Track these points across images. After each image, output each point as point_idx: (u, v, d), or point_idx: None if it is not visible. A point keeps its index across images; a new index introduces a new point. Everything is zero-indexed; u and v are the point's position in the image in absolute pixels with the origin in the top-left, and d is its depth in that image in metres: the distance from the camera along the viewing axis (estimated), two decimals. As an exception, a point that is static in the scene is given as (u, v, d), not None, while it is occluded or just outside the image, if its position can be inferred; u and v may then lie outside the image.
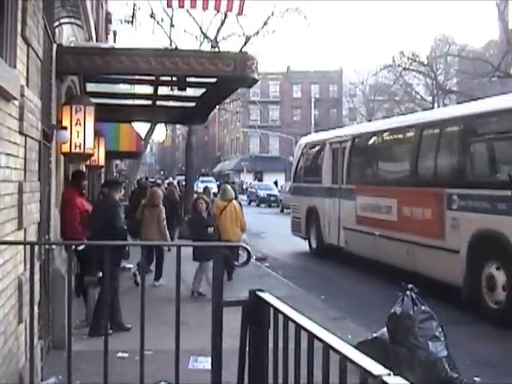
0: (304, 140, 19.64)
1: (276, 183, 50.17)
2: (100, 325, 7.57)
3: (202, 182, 48.76)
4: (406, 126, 13.32)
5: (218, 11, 13.02)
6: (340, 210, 15.15)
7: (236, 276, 11.98)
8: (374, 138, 14.64)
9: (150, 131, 28.13)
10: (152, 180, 42.66)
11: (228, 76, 7.98)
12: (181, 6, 11.00)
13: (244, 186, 59.35)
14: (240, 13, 11.20)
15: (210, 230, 10.74)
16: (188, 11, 27.62)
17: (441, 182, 11.06)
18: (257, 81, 8.23)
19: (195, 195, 16.50)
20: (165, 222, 11.53)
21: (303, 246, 17.56)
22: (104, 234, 7.09)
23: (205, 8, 11.09)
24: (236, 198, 13.16)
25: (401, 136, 13.69)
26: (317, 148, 17.76)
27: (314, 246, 17.02)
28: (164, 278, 11.51)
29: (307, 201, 17.32)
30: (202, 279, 10.56)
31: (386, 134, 14.24)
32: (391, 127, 14.26)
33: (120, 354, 6.65)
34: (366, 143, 14.93)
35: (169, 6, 11.99)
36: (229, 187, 12.73)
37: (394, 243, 12.34)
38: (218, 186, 24.55)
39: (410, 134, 12.75)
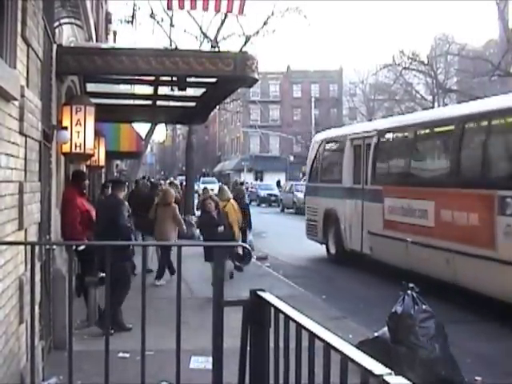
0: (320, 136, 18.16)
1: (279, 183, 50.01)
2: (118, 322, 7.71)
3: (204, 182, 47.26)
4: (446, 118, 11.80)
5: (218, 12, 13.02)
6: (364, 213, 13.77)
7: (236, 275, 11.97)
8: (406, 133, 13.11)
9: (151, 131, 28.13)
10: (152, 180, 42.65)
11: (228, 76, 7.98)
12: (181, 7, 10.99)
13: (244, 186, 59.09)
14: (240, 13, 11.20)
15: (220, 229, 10.59)
16: (188, 11, 27.63)
17: (491, 182, 9.62)
18: (257, 80, 8.23)
19: (199, 195, 16.33)
20: (181, 219, 12.16)
21: (313, 247, 17.31)
22: (108, 233, 7.11)
23: (205, 9, 11.08)
24: (243, 197, 13.35)
25: (439, 130, 12.02)
26: (335, 145, 16.44)
27: (332, 251, 15.60)
28: (165, 277, 11.54)
29: (325, 202, 15.89)
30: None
31: (420, 128, 12.60)
32: (427, 120, 12.66)
33: (121, 354, 6.65)
34: (396, 139, 13.67)
35: (169, 8, 11.98)
36: (225, 187, 13.20)
37: (430, 251, 10.97)
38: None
39: (450, 128, 11.21)
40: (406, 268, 11.73)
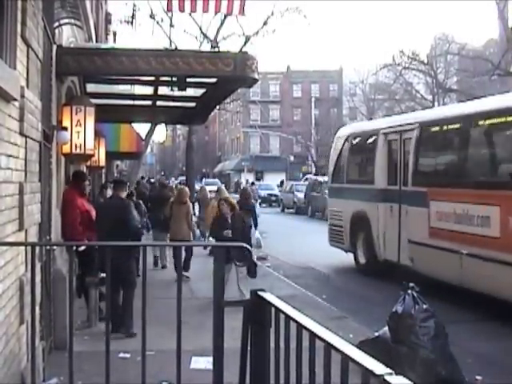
0: (346, 131, 16.11)
1: (282, 183, 49.83)
2: (126, 324, 7.71)
3: (207, 184, 46.01)
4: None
5: (218, 13, 13.03)
6: (402, 218, 11.98)
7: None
8: (460, 125, 10.87)
9: (151, 131, 28.13)
10: (152, 181, 42.62)
11: (228, 76, 7.97)
12: (181, 10, 10.99)
13: (254, 186, 58.26)
14: (241, 13, 11.21)
15: (226, 232, 10.05)
16: (190, 14, 27.66)
17: None
18: (257, 80, 8.23)
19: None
20: (193, 218, 12.51)
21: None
22: (116, 234, 7.10)
23: (205, 10, 11.08)
24: (248, 198, 13.20)
25: (506, 120, 9.79)
26: (365, 140, 14.41)
27: (362, 261, 13.80)
28: (165, 278, 11.55)
29: (352, 205, 13.99)
30: (238, 281, 9.90)
31: (480, 118, 10.45)
32: (489, 109, 10.31)
33: (122, 355, 6.65)
34: (446, 132, 11.48)
35: (169, 10, 11.97)
36: (223, 187, 14.33)
37: (493, 266, 9.21)
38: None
39: None
40: (458, 284, 10.15)
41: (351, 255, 14.43)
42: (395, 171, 12.60)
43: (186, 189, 13.43)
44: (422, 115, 13.72)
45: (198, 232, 15.79)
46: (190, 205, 12.65)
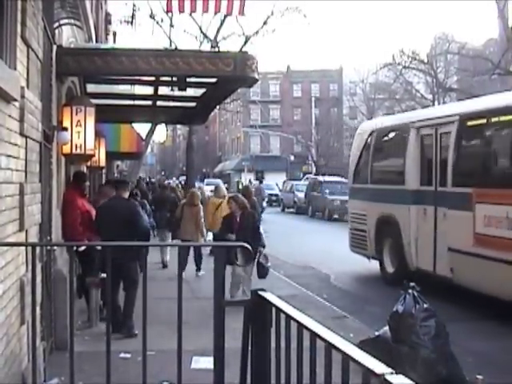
0: (369, 125, 14.92)
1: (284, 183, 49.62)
2: (128, 324, 7.71)
3: (208, 184, 42.58)
4: None
5: (218, 13, 13.02)
6: (439, 222, 10.71)
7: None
8: (509, 117, 9.61)
9: (151, 132, 28.15)
10: (153, 180, 42.65)
11: (228, 76, 7.96)
12: (181, 10, 10.99)
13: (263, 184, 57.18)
14: (240, 14, 11.20)
15: (229, 236, 9.84)
16: (190, 14, 27.67)
17: None
18: (257, 80, 8.22)
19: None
20: (203, 220, 12.74)
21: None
22: (125, 235, 7.10)
23: (205, 10, 11.07)
24: (250, 197, 12.95)
25: None
26: (393, 135, 13.30)
27: (389, 269, 12.44)
28: (166, 277, 11.55)
29: (378, 208, 12.76)
30: (239, 284, 9.80)
31: None
32: None
33: (122, 355, 6.65)
34: (493, 125, 10.10)
35: (168, 10, 11.96)
36: (221, 185, 14.77)
37: None
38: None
39: None
40: (510, 299, 8.94)
41: (373, 262, 13.32)
42: (430, 170, 11.31)
43: (198, 192, 13.95)
44: (461, 106, 12.18)
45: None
46: (201, 207, 13.04)
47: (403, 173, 12.00)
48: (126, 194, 8.81)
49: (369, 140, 13.79)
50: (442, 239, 10.63)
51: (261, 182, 38.22)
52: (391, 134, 13.44)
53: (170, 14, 27.65)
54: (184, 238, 12.52)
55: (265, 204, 35.36)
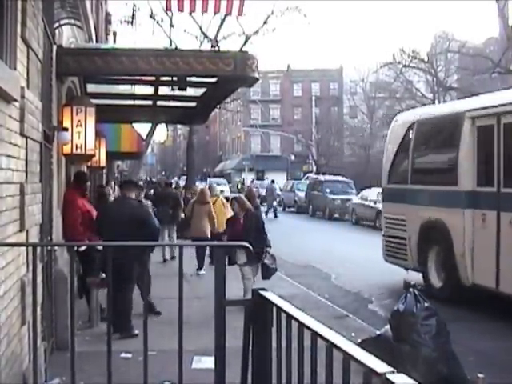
0: (410, 116, 12.84)
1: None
2: (127, 326, 7.70)
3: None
4: None
5: (217, 13, 13.02)
6: (504, 230, 9.12)
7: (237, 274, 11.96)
8: None
9: (151, 131, 28.18)
10: (154, 180, 42.66)
11: (228, 75, 7.96)
12: (180, 10, 10.99)
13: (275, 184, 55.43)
14: (240, 14, 11.20)
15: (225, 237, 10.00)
16: (190, 13, 27.66)
17: None
18: (257, 80, 8.22)
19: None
20: (215, 217, 13.12)
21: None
22: (134, 235, 7.09)
23: (204, 10, 11.07)
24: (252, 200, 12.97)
25: None
26: (441, 127, 11.30)
27: (436, 283, 10.76)
28: (166, 277, 11.54)
29: (423, 212, 11.03)
30: (248, 283, 9.65)
31: None
32: None
33: (123, 355, 6.65)
34: None
35: (168, 9, 11.96)
36: (214, 185, 15.56)
37: None
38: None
39: None
40: None
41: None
42: (490, 168, 9.67)
43: (207, 190, 14.41)
44: None
45: None
46: (211, 205, 13.37)
47: (455, 171, 10.33)
48: (133, 195, 8.82)
49: (409, 133, 11.88)
50: (508, 250, 9.00)
51: (273, 182, 37.95)
52: (438, 126, 11.38)
53: (170, 14, 27.75)
54: (196, 236, 12.87)
55: (275, 203, 35.25)
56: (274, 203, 34.78)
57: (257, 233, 9.63)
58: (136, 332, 7.56)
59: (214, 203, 13.58)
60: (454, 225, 10.21)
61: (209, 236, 12.99)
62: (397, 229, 11.95)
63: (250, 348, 3.63)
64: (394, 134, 12.82)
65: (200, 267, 13.08)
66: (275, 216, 32.49)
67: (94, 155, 9.29)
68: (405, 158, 11.97)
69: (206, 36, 29.93)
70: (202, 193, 13.87)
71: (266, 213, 32.16)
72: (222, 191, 16.17)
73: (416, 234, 11.14)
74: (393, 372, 2.14)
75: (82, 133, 8.20)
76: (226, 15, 26.14)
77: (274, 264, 9.83)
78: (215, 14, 11.69)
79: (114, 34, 28.73)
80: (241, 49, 26.11)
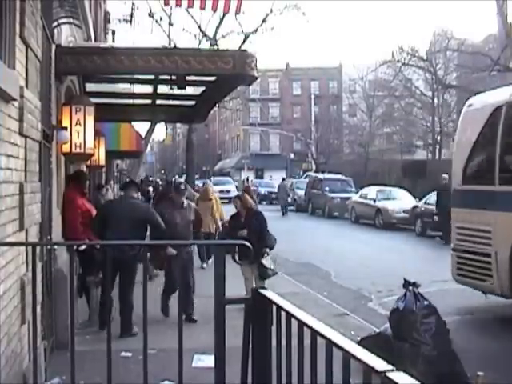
0: (496, 97, 9.78)
1: (283, 180, 48.99)
2: (127, 327, 7.66)
3: (216, 183, 38.88)
4: None
5: (215, 11, 13.00)
6: None
7: (237, 274, 11.96)
8: None
9: (150, 130, 28.15)
10: (151, 179, 42.66)
11: (227, 74, 7.96)
12: (178, 4, 10.99)
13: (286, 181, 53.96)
14: (238, 12, 11.18)
15: (240, 232, 9.51)
16: (186, 10, 27.62)
17: None
18: (256, 78, 8.22)
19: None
20: (217, 213, 13.73)
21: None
22: (135, 235, 7.10)
23: (202, 8, 11.06)
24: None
25: None
26: None
27: None
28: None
29: None
30: (246, 282, 9.59)
31: None
32: None
33: (123, 354, 6.66)
34: None
35: (166, 4, 11.96)
36: (210, 184, 15.65)
37: None
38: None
39: None
40: None
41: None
42: None
43: (211, 187, 14.95)
44: None
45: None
46: (214, 201, 13.94)
47: None
48: (136, 195, 8.82)
49: (495, 119, 9.21)
50: None
51: (283, 180, 37.63)
52: None
53: (168, 13, 27.72)
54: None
55: (289, 200, 34.95)
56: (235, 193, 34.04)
57: (258, 232, 9.55)
58: (136, 331, 7.56)
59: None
60: None
61: (212, 231, 13.35)
62: (477, 242, 9.28)
63: (250, 346, 3.64)
64: (469, 121, 10.10)
65: (202, 260, 13.44)
66: (285, 213, 32.70)
67: (93, 154, 9.28)
68: (489, 152, 9.35)
69: (204, 35, 29.89)
70: (205, 190, 14.43)
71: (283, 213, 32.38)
72: (227, 191, 16.52)
73: (508, 249, 8.51)
74: (392, 370, 2.14)
75: (81, 132, 8.18)
76: (224, 14, 26.19)
77: (270, 266, 9.60)
78: (214, 11, 11.67)
79: (113, 32, 28.69)
80: (240, 47, 26.09)
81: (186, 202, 9.34)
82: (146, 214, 8.27)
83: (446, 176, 19.14)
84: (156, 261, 9.28)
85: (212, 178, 50.11)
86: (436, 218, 19.86)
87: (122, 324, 7.72)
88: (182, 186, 9.82)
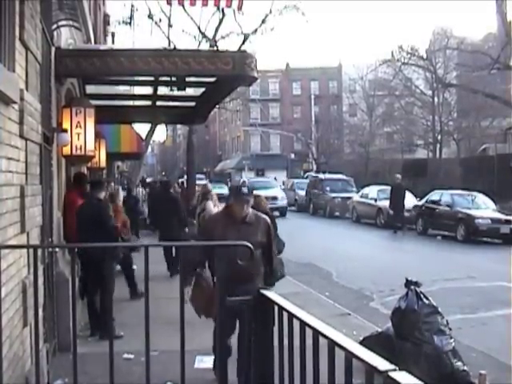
0: None
1: (283, 183, 48.68)
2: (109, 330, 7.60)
3: (216, 186, 39.24)
4: None
5: (217, 6, 13.00)
6: None
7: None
8: None
9: (151, 132, 28.14)
10: (147, 180, 42.62)
11: (227, 75, 7.96)
12: (180, 3, 11.00)
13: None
14: (240, 7, 11.18)
15: None
16: (186, 10, 27.66)
17: None
18: (256, 79, 8.22)
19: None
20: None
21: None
22: (96, 236, 7.00)
23: (204, 4, 11.06)
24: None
25: None
26: None
27: None
28: (167, 276, 11.56)
29: None
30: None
31: None
32: None
33: (126, 356, 6.66)
34: None
35: (168, 3, 11.96)
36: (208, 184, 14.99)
37: None
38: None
39: None
40: None
41: None
42: None
43: (209, 186, 14.73)
44: None
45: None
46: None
47: None
48: (102, 195, 8.70)
49: None
50: None
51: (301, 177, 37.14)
52: None
53: (168, 14, 27.70)
54: None
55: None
56: (285, 202, 33.72)
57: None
58: (121, 334, 7.49)
59: None
60: None
61: None
62: None
63: (252, 347, 3.64)
64: None
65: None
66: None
67: (93, 156, 9.28)
68: None
69: (204, 36, 29.86)
70: (204, 189, 14.37)
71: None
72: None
73: None
74: (395, 370, 2.14)
75: (81, 134, 8.18)
76: (224, 13, 26.20)
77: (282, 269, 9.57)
78: (217, 7, 11.68)
79: (113, 34, 28.69)
80: (239, 48, 26.06)
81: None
82: (100, 214, 8.16)
83: (399, 176, 24.27)
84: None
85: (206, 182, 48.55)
86: (391, 212, 23.32)
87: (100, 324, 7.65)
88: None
